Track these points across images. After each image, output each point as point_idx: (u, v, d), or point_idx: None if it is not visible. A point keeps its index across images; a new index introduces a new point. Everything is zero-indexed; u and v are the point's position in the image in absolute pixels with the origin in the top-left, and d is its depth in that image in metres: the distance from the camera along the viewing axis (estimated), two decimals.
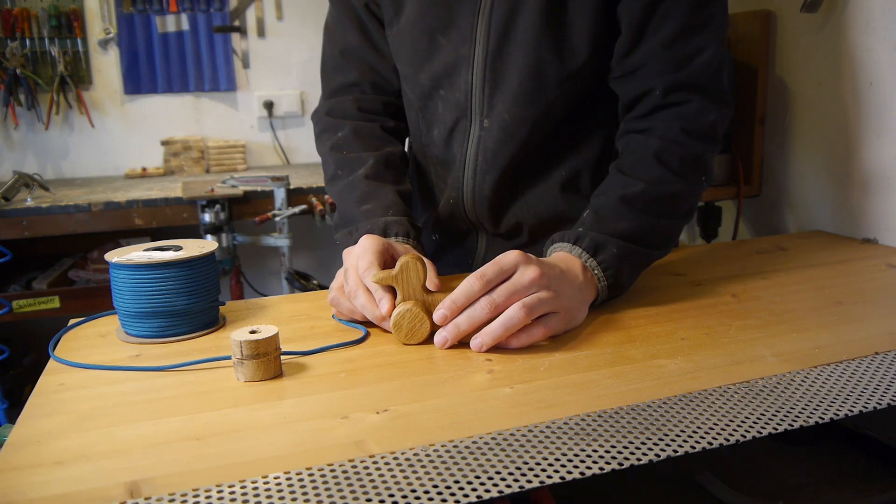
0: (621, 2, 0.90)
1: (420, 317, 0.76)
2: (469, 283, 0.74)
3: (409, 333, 0.77)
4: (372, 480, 0.51)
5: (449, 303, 0.75)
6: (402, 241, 0.89)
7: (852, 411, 0.61)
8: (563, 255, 0.84)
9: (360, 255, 0.80)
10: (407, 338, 0.77)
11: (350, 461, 0.54)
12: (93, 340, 0.81)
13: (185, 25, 2.62)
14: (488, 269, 0.75)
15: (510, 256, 0.76)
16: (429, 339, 0.77)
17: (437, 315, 0.75)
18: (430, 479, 0.51)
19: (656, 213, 0.89)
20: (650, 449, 0.55)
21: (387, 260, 0.82)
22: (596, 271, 0.83)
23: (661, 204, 0.89)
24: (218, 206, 2.08)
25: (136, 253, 0.81)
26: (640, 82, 0.92)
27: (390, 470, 0.53)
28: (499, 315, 0.74)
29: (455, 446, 0.56)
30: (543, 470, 0.52)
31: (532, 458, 0.54)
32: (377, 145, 1.03)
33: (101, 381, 0.70)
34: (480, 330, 0.74)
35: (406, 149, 1.14)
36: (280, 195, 2.12)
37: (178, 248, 0.82)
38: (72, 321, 0.87)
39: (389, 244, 0.84)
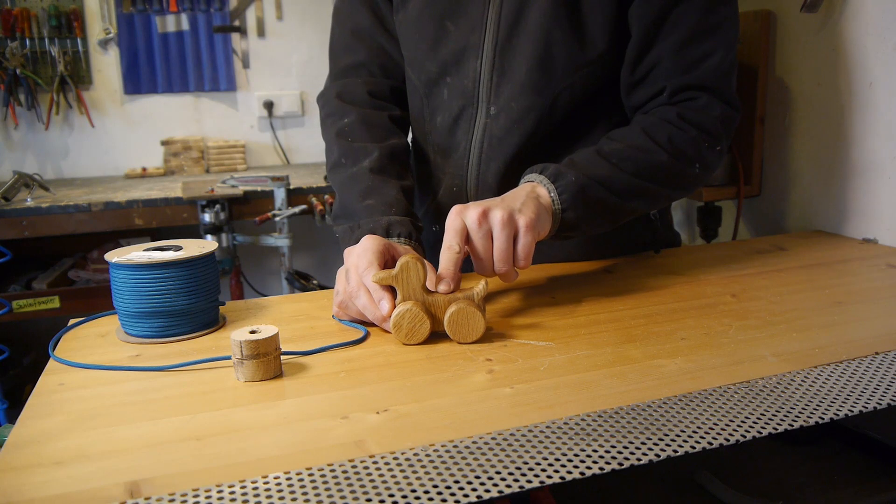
0: (632, 6, 0.91)
1: (420, 317, 0.76)
2: (450, 252, 0.78)
3: (409, 333, 0.77)
4: (372, 480, 0.51)
5: (445, 270, 0.78)
6: (403, 241, 0.89)
7: (852, 411, 0.61)
8: (525, 185, 0.87)
9: (361, 255, 0.80)
10: (407, 338, 0.77)
11: (350, 461, 0.54)
12: (93, 340, 0.81)
13: (185, 25, 2.62)
14: (452, 239, 0.78)
15: (451, 215, 0.80)
16: (429, 340, 0.77)
17: (441, 287, 0.78)
18: (430, 479, 0.51)
19: (631, 172, 0.90)
20: (650, 449, 0.55)
21: (387, 260, 0.82)
22: (552, 194, 0.85)
23: (639, 166, 0.90)
24: (218, 206, 2.08)
25: (136, 253, 0.81)
26: (650, 87, 0.94)
27: (390, 470, 0.53)
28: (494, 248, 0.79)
29: (455, 446, 0.56)
30: (543, 470, 0.52)
31: (532, 458, 0.54)
32: (383, 136, 1.02)
33: (101, 381, 0.70)
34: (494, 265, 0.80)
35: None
36: (280, 195, 2.12)
37: (178, 248, 0.82)
38: (72, 321, 0.87)
39: (390, 244, 0.84)
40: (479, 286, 0.77)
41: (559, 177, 0.86)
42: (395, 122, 1.06)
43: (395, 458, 0.54)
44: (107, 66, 2.58)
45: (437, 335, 0.78)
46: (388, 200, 0.93)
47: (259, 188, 2.15)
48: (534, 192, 0.84)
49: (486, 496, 0.49)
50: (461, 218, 0.79)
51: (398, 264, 0.76)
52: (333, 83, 1.09)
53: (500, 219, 0.78)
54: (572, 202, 0.85)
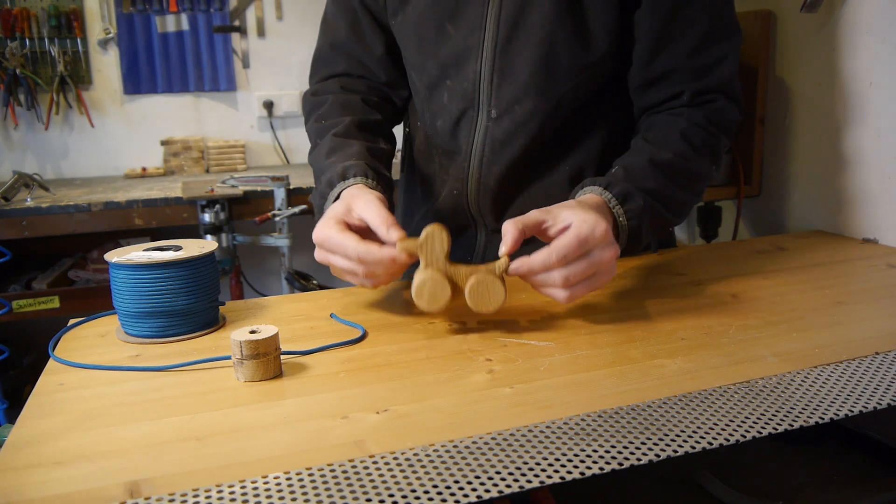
0: (639, 10, 0.92)
1: (441, 282, 0.77)
2: (548, 258, 0.75)
3: (430, 300, 0.77)
4: (372, 480, 0.51)
5: (526, 268, 0.76)
6: (359, 181, 0.88)
7: (852, 411, 0.61)
8: (595, 198, 0.85)
9: (329, 238, 0.79)
10: (429, 304, 0.78)
11: (350, 461, 0.54)
12: (93, 340, 0.81)
13: (185, 25, 2.62)
14: (571, 249, 0.75)
15: (596, 235, 0.76)
16: (429, 340, 0.78)
17: (512, 268, 0.77)
18: (430, 479, 0.51)
19: (677, 183, 0.91)
20: (650, 449, 0.55)
21: (351, 225, 0.81)
22: (620, 219, 0.85)
23: (683, 176, 0.92)
24: (218, 206, 2.08)
25: (136, 253, 0.81)
26: (666, 89, 0.96)
27: (390, 470, 0.53)
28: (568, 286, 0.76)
29: (455, 446, 0.56)
30: (543, 470, 0.52)
31: (532, 458, 0.54)
32: (356, 111, 1.03)
33: (101, 381, 0.70)
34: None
35: (403, 139, 1.14)
36: (280, 195, 2.12)
37: (178, 248, 0.82)
38: (72, 321, 0.87)
39: (346, 211, 0.82)
40: (501, 261, 0.78)
41: (627, 199, 0.85)
42: (368, 105, 1.06)
43: (395, 458, 0.54)
44: (107, 66, 2.58)
45: (438, 335, 0.78)
46: (349, 153, 0.93)
47: (259, 188, 2.15)
48: (608, 228, 0.79)
49: (486, 496, 0.49)
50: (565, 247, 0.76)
51: (423, 232, 0.77)
52: (312, 87, 1.11)
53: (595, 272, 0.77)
54: (637, 228, 0.86)
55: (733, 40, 0.96)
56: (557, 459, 0.54)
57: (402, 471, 0.52)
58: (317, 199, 0.92)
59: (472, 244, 1.08)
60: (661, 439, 0.56)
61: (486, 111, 0.98)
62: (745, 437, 0.57)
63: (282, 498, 0.49)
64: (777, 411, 0.60)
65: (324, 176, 0.91)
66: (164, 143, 2.61)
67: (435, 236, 0.77)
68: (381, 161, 0.96)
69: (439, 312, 0.81)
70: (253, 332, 0.69)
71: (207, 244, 0.84)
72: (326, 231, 0.80)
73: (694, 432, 0.57)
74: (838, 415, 0.60)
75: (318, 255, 0.82)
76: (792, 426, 0.58)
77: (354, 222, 0.82)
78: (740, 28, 0.97)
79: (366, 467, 0.53)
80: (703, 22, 0.92)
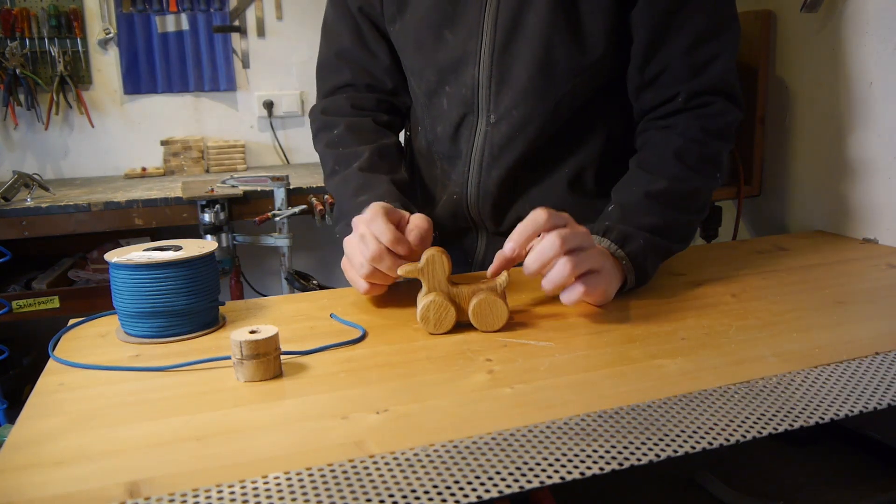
0: (635, 9, 0.91)
1: (445, 306, 0.78)
2: (535, 218, 0.78)
3: (436, 323, 0.79)
4: (372, 480, 0.51)
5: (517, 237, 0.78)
6: None
7: (852, 411, 0.61)
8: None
9: (371, 221, 0.81)
10: (435, 328, 0.79)
11: (350, 461, 0.54)
12: (93, 340, 0.81)
13: (185, 25, 2.62)
14: (550, 220, 0.78)
15: (544, 219, 0.79)
16: (429, 339, 0.78)
17: (507, 247, 0.78)
18: (430, 480, 0.51)
19: (677, 209, 0.91)
20: (650, 449, 0.55)
21: (395, 221, 0.84)
22: (624, 262, 0.85)
23: (681, 200, 0.92)
24: (218, 206, 2.07)
25: (136, 253, 0.81)
26: (662, 89, 0.95)
27: (390, 470, 0.53)
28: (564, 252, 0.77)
29: (455, 446, 0.56)
30: (543, 470, 0.52)
31: (532, 458, 0.54)
32: (371, 138, 1.04)
33: (100, 381, 0.70)
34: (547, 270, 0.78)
35: (404, 143, 1.14)
36: (280, 195, 2.12)
37: (178, 248, 0.82)
38: (72, 321, 0.87)
39: (392, 207, 0.85)
40: (501, 277, 0.79)
41: (627, 241, 0.86)
42: (381, 125, 1.07)
43: (395, 458, 0.54)
44: (107, 66, 2.58)
45: (438, 335, 0.79)
46: (379, 193, 0.94)
47: (259, 188, 2.15)
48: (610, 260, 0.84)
49: (486, 496, 0.49)
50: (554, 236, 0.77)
51: (423, 257, 0.78)
52: (320, 101, 1.11)
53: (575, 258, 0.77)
54: (642, 266, 0.86)
55: (729, 36, 0.94)
56: (557, 459, 0.54)
57: (402, 471, 0.52)
58: (346, 234, 0.90)
59: (472, 248, 1.08)
60: (661, 439, 0.56)
61: (485, 116, 0.98)
62: (745, 437, 0.57)
63: (282, 498, 0.49)
64: (777, 411, 0.60)
65: (356, 217, 0.91)
66: (163, 143, 2.61)
67: (435, 260, 0.78)
68: (406, 193, 0.98)
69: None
70: (253, 332, 0.69)
71: (207, 244, 0.84)
72: (378, 218, 0.82)
73: (694, 432, 0.57)
74: (838, 415, 0.60)
75: (362, 228, 0.83)
76: (792, 426, 0.58)
77: (393, 220, 0.84)
78: (739, 24, 0.96)
79: (366, 467, 0.53)
80: (700, 19, 0.91)
